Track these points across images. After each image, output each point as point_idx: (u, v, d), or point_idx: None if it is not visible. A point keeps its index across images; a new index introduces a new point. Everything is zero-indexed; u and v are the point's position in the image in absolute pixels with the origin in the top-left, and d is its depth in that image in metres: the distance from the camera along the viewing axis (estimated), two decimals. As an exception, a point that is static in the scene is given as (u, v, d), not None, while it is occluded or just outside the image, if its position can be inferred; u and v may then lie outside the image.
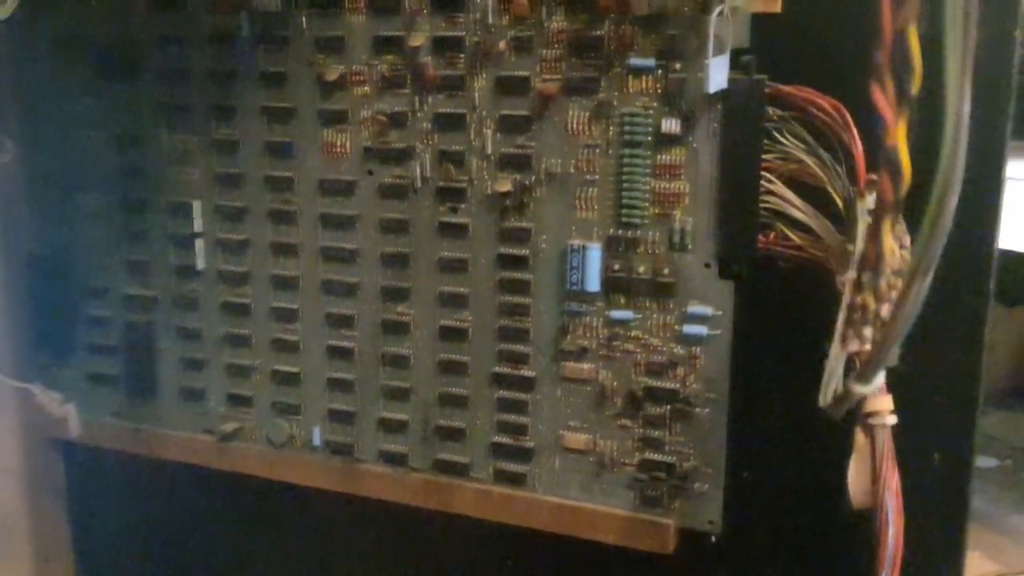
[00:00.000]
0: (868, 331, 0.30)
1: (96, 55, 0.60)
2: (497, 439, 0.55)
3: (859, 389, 0.28)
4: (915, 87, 0.22)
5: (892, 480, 0.43)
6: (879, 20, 0.22)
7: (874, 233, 0.25)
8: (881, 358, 0.27)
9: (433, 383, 0.56)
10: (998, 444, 1.40)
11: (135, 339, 0.64)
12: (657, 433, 0.52)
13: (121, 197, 0.62)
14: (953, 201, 0.23)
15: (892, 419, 0.43)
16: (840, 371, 0.33)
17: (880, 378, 0.29)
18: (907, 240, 0.39)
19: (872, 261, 0.27)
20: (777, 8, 0.46)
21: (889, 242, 0.26)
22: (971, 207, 0.45)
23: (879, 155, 0.24)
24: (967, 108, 0.22)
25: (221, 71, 0.57)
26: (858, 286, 0.29)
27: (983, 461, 1.36)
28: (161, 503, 0.70)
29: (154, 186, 0.61)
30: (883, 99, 0.22)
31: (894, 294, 0.28)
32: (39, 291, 0.66)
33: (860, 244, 0.38)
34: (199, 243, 0.60)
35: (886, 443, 0.43)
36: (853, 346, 0.31)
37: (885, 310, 0.27)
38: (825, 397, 0.32)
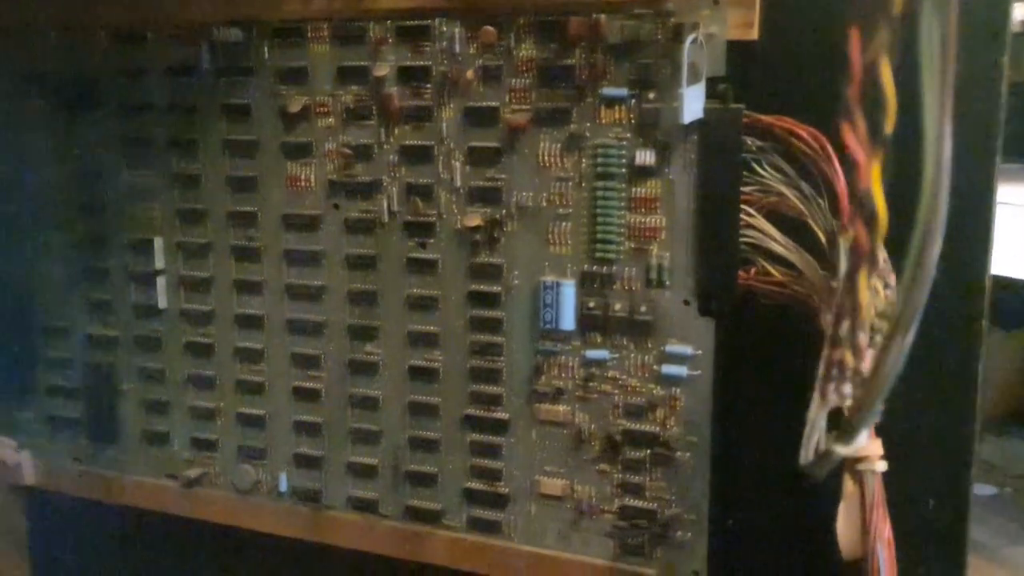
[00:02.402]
0: (848, 388, 0.27)
1: (54, 89, 0.58)
2: (470, 485, 0.53)
3: (840, 450, 0.26)
4: (889, 125, 0.20)
5: (884, 529, 0.41)
6: (848, 53, 0.20)
7: (849, 285, 0.23)
8: (862, 418, 0.25)
9: (403, 426, 0.54)
10: (996, 472, 1.37)
11: (95, 381, 0.61)
12: (637, 478, 0.49)
13: (80, 234, 0.60)
14: (936, 250, 0.21)
15: (882, 465, 0.41)
16: (822, 425, 0.30)
17: (863, 438, 0.26)
18: (892, 279, 0.36)
19: (849, 314, 0.24)
20: (754, 35, 0.44)
21: (865, 294, 0.24)
22: (964, 236, 0.43)
23: (853, 200, 0.22)
24: (948, 148, 0.20)
25: (182, 104, 0.55)
26: (835, 340, 0.26)
27: (981, 489, 1.33)
28: (125, 550, 0.67)
29: (114, 222, 0.59)
30: (854, 139, 0.20)
31: (877, 344, 0.25)
32: (-3, 331, 0.63)
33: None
34: (161, 281, 0.58)
35: (876, 490, 0.41)
36: (832, 403, 0.29)
37: (866, 365, 0.25)
38: (807, 455, 0.29)
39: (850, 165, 0.21)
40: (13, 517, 0.68)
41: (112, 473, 0.62)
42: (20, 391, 0.63)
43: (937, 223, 0.20)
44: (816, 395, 0.30)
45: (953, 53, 0.19)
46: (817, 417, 0.30)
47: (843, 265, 0.37)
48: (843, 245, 0.38)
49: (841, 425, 0.26)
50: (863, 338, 0.25)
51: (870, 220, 0.21)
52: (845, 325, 0.25)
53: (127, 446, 0.62)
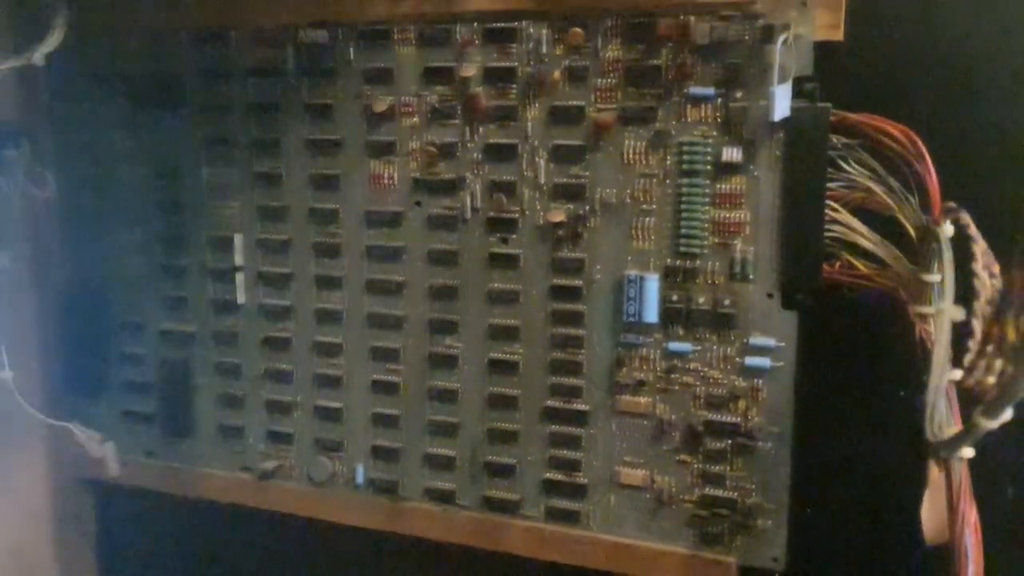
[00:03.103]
0: (999, 363, 0.29)
1: (136, 89, 0.60)
2: (549, 475, 0.54)
3: (986, 424, 0.27)
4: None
5: (971, 515, 0.42)
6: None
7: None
8: (1014, 393, 0.26)
9: (482, 418, 0.55)
10: None
11: (172, 375, 0.62)
12: (718, 468, 0.51)
13: (160, 231, 0.61)
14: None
15: (969, 451, 0.42)
16: (943, 403, 0.32)
17: (1009, 413, 0.28)
18: (996, 268, 0.38)
19: (1021, 292, 0.26)
20: (840, 36, 0.45)
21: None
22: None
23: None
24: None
25: (265, 104, 0.57)
26: (1002, 314, 0.28)
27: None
28: (194, 544, 0.68)
29: (194, 220, 0.60)
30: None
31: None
32: (74, 327, 0.64)
33: (948, 272, 0.37)
34: (240, 277, 0.59)
35: (963, 476, 0.42)
36: (977, 378, 0.30)
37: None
38: (933, 431, 0.31)
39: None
40: (82, 513, 0.69)
41: (186, 467, 0.63)
42: (95, 386, 0.64)
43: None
44: (940, 372, 0.32)
45: None
46: (937, 400, 0.32)
47: (947, 255, 0.38)
48: (942, 237, 0.39)
49: (991, 398, 0.27)
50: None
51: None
52: (1015, 303, 0.26)
53: (201, 440, 0.63)
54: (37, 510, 0.67)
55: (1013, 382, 0.25)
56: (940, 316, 0.35)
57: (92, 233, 0.63)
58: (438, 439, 0.56)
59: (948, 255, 0.39)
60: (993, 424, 0.27)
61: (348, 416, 0.59)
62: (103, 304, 0.63)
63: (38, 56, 0.51)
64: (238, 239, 0.59)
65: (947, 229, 0.40)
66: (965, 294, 0.39)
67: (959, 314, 0.35)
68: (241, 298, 0.60)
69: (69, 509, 0.68)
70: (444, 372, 0.56)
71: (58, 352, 0.65)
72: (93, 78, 0.61)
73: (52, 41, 0.52)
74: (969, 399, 0.31)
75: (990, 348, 0.29)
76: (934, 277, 0.40)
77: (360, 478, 0.59)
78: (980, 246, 0.36)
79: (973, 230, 0.37)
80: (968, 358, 0.31)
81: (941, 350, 0.33)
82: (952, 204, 0.40)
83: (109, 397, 0.65)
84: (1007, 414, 0.28)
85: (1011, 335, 0.27)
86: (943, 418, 0.31)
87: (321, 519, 0.60)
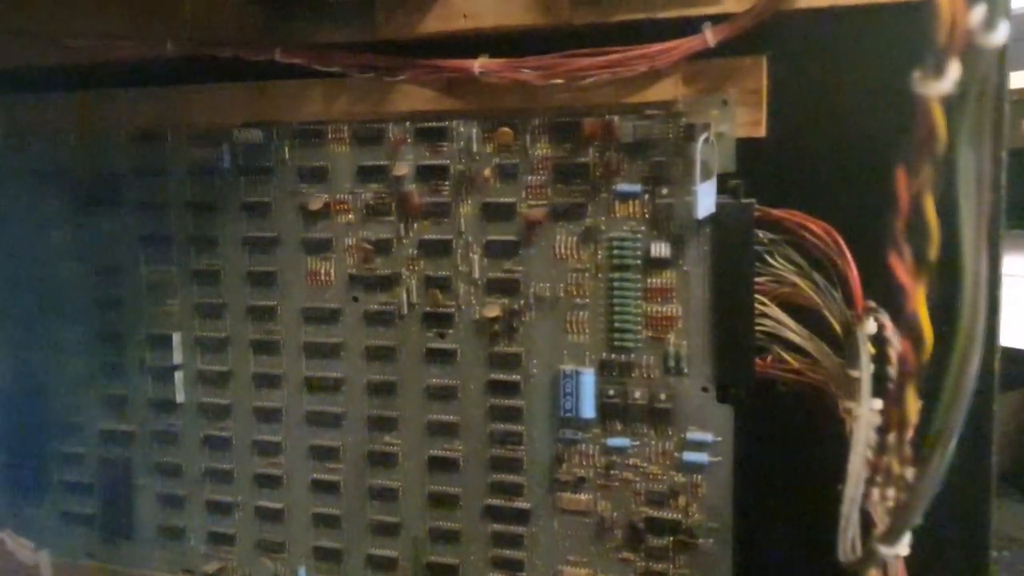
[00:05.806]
0: (892, 491, 0.28)
1: (75, 187, 0.60)
2: (492, 576, 0.53)
3: (886, 551, 0.27)
4: (933, 253, 0.21)
5: (910, 614, 0.41)
6: (894, 188, 0.21)
7: (898, 398, 0.24)
8: (908, 521, 0.26)
9: (423, 517, 0.54)
10: (992, 535, 1.36)
11: (111, 476, 0.61)
12: (660, 566, 0.50)
13: (99, 329, 0.60)
14: (975, 365, 0.22)
15: (904, 549, 0.42)
16: (856, 518, 0.31)
17: (907, 538, 0.27)
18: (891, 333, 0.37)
19: (897, 426, 0.26)
20: (762, 133, 0.46)
21: (914, 409, 0.25)
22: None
23: (900, 322, 0.23)
24: (985, 271, 0.21)
25: (202, 202, 0.57)
26: (883, 448, 0.27)
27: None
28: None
29: (132, 318, 0.59)
30: (901, 267, 0.21)
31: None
32: (9, 427, 0.63)
33: (865, 373, 0.37)
34: (179, 375, 0.58)
35: (900, 574, 0.41)
36: (874, 503, 0.30)
37: (909, 472, 0.26)
38: (845, 551, 0.30)
39: (898, 290, 0.22)
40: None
41: (127, 569, 0.62)
42: (34, 487, 0.63)
43: (975, 343, 0.21)
44: (851, 493, 0.31)
45: (988, 184, 0.21)
46: (851, 513, 0.31)
47: (862, 354, 0.38)
48: (860, 335, 0.39)
49: (886, 527, 0.27)
50: (909, 448, 0.26)
51: (916, 340, 0.22)
52: (892, 436, 0.26)
53: (143, 542, 0.61)
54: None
55: (906, 513, 0.25)
56: (857, 419, 0.35)
57: (30, 332, 0.62)
58: (380, 539, 0.55)
59: (867, 355, 0.38)
60: (893, 551, 0.27)
61: (289, 516, 0.57)
62: (41, 403, 0.62)
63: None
64: (176, 337, 0.58)
65: (868, 327, 0.40)
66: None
67: (877, 417, 0.35)
68: (180, 397, 0.59)
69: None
70: (384, 470, 0.55)
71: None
72: (32, 176, 0.61)
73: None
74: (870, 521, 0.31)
75: (879, 479, 0.29)
76: (858, 373, 0.40)
77: (302, 580, 0.57)
78: (896, 351, 0.36)
79: (890, 333, 0.37)
80: (852, 486, 0.31)
81: (857, 458, 0.33)
82: (872, 304, 0.40)
83: (48, 498, 0.63)
84: (906, 540, 0.27)
85: (896, 468, 0.27)
86: (857, 534, 0.31)
87: (264, 622, 0.59)
